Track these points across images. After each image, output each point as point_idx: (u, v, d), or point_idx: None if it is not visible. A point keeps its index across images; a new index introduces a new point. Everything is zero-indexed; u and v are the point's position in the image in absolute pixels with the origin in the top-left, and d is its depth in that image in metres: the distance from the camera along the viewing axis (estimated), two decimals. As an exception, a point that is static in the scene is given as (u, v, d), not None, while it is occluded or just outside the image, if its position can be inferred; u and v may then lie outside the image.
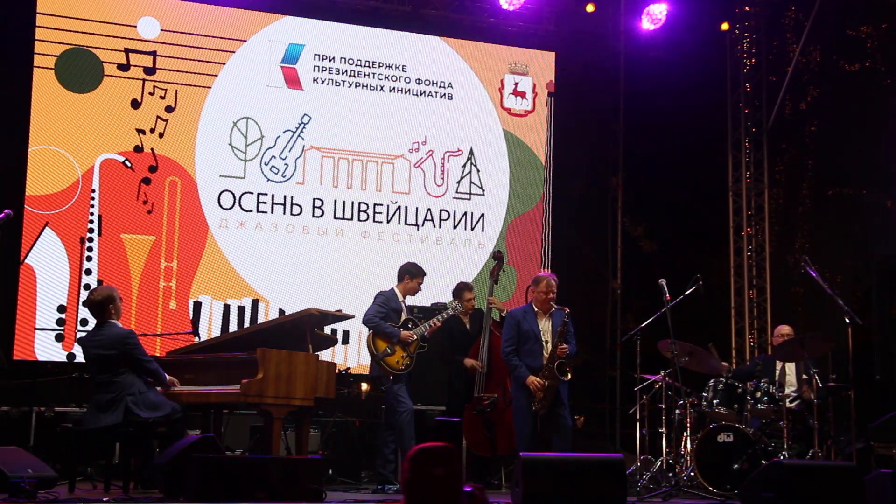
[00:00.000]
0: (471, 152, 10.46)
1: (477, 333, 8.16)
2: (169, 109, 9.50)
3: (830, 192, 11.00)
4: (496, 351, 7.86)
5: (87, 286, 8.98)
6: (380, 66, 10.25)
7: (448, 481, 3.49)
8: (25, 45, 9.12)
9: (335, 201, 9.94)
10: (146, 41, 9.49)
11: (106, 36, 9.36)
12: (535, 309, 7.45)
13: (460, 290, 8.37)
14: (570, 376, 7.27)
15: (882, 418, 7.93)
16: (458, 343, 8.22)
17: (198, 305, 9.39)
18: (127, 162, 9.33)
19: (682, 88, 11.16)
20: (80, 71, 9.27)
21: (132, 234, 9.28)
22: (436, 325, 7.84)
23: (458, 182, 10.39)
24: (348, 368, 9.18)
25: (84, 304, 6.85)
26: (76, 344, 8.68)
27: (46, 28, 9.20)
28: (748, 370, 8.66)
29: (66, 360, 8.90)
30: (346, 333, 9.52)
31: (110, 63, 9.36)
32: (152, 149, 9.43)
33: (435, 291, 8.82)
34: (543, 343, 7.35)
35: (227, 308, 9.46)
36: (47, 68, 9.17)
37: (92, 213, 9.16)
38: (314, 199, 9.89)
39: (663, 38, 11.29)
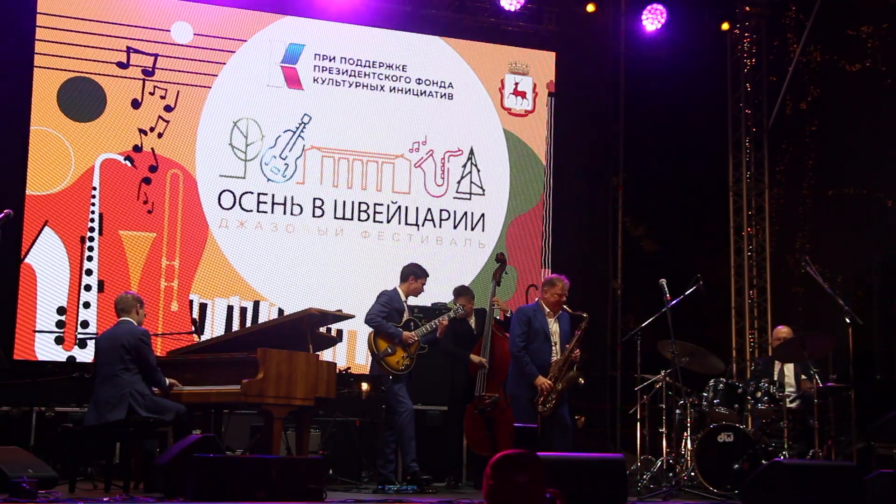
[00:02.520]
0: (471, 152, 10.46)
1: (482, 333, 8.15)
2: (168, 109, 9.50)
3: (831, 192, 10.98)
4: (498, 351, 7.85)
5: (87, 286, 8.98)
6: (380, 66, 10.24)
7: (532, 488, 3.47)
8: (26, 46, 9.11)
9: (335, 201, 9.94)
10: (180, 46, 9.52)
11: (108, 36, 9.35)
12: (546, 309, 7.45)
13: (455, 293, 8.41)
14: (582, 381, 7.28)
15: (882, 418, 7.92)
16: (462, 341, 8.22)
17: (203, 306, 9.38)
18: (129, 160, 9.32)
19: (682, 88, 11.16)
20: (83, 100, 9.25)
21: (132, 231, 9.27)
22: (444, 324, 7.85)
23: (459, 182, 10.39)
24: (348, 368, 9.16)
25: (115, 300, 7.03)
26: (88, 342, 8.71)
27: (47, 28, 9.19)
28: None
29: (65, 360, 8.89)
30: (342, 333, 9.51)
31: (110, 63, 9.35)
32: (152, 149, 9.43)
33: (435, 292, 8.81)
34: (553, 344, 7.35)
35: (227, 308, 9.46)
36: (50, 69, 9.17)
37: (93, 212, 9.16)
38: (314, 198, 9.88)
39: (663, 38, 11.31)
